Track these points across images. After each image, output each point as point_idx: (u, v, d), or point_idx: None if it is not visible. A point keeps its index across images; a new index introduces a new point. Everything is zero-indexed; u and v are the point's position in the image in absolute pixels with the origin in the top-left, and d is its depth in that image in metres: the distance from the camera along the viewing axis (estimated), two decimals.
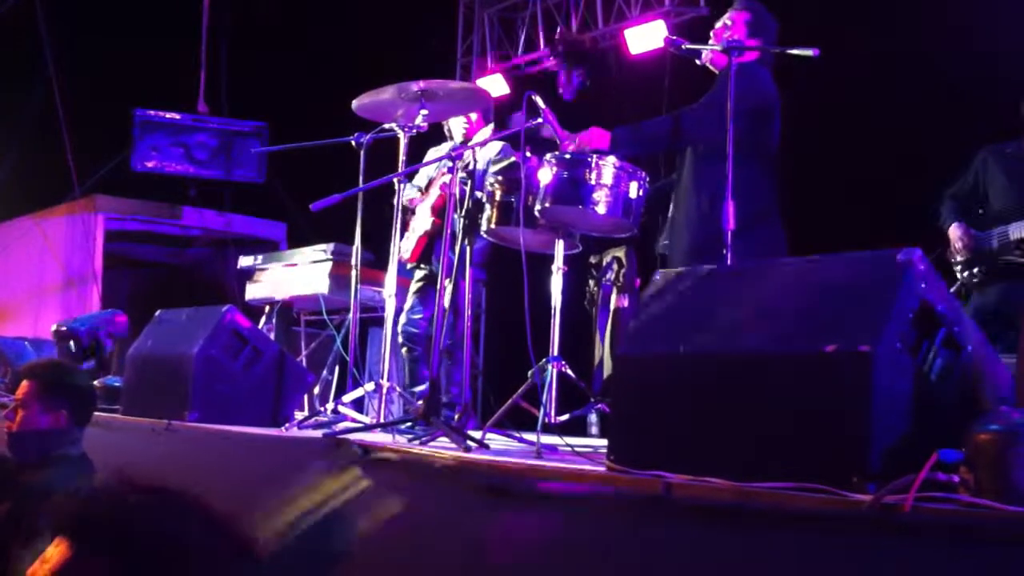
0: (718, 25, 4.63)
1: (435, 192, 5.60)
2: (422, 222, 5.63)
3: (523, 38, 10.11)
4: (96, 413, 5.08)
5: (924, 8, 6.32)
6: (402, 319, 5.71)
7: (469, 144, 5.58)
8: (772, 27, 4.58)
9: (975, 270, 4.93)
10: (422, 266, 5.71)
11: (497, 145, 5.60)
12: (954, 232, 4.99)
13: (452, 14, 10.69)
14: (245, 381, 4.86)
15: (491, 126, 5.75)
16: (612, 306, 7.05)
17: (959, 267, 4.95)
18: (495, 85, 9.60)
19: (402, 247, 5.49)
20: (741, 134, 4.06)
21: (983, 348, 2.53)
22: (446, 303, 4.33)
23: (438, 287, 4.36)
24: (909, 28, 6.37)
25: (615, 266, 6.99)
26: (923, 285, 2.41)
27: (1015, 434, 2.10)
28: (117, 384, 5.62)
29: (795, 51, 4.10)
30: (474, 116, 5.76)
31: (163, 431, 4.54)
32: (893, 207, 5.58)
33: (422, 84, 4.46)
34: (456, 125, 5.80)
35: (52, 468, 3.50)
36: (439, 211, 5.56)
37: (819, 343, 2.37)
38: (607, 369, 6.87)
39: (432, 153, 5.86)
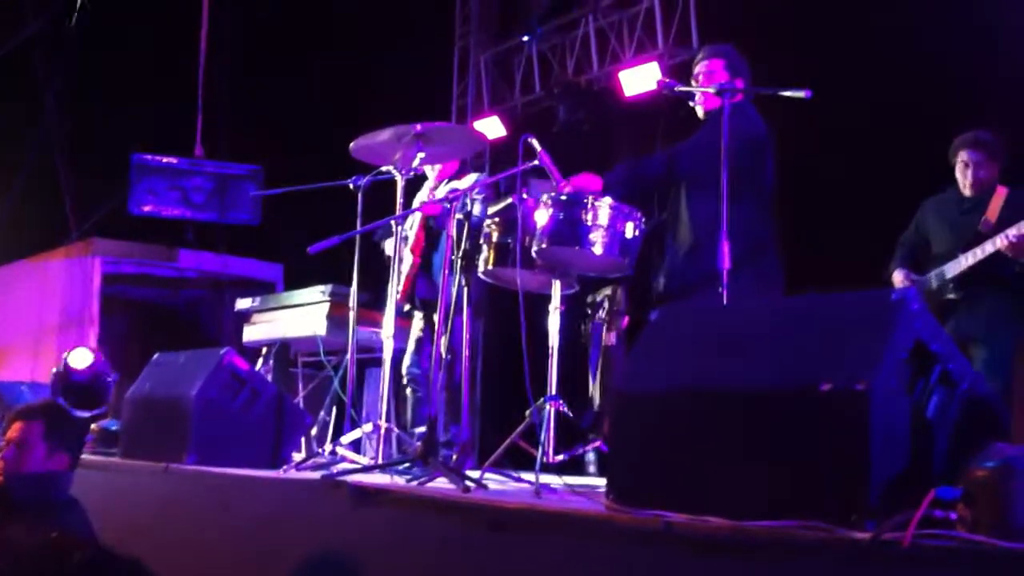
0: (697, 76, 4.68)
1: (412, 233, 5.64)
2: (405, 263, 5.65)
3: (519, 80, 10.19)
4: (94, 457, 5.10)
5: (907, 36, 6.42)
6: (406, 361, 5.73)
7: (448, 182, 5.66)
8: (746, 65, 4.67)
9: None
10: (411, 306, 5.73)
11: (473, 177, 5.69)
12: (896, 277, 5.31)
13: (448, 57, 10.79)
14: (243, 422, 4.86)
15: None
16: (602, 343, 7.06)
17: None
18: (492, 127, 9.66)
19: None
20: (736, 171, 4.09)
21: (978, 384, 2.55)
22: (443, 342, 4.33)
23: (435, 326, 4.37)
24: (886, 63, 6.47)
25: (606, 303, 7.01)
26: (917, 324, 2.43)
27: (1011, 470, 2.11)
28: (115, 428, 5.62)
29: (787, 92, 4.17)
30: None
31: (161, 474, 4.53)
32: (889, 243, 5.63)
33: (419, 127, 4.47)
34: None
35: (51, 513, 3.49)
36: (417, 249, 5.60)
37: (815, 382, 2.38)
38: (596, 406, 6.88)
39: (419, 196, 5.91)
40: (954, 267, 5.02)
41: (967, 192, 5.15)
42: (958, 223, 5.14)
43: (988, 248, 4.87)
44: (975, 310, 4.97)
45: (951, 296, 5.04)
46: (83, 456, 3.93)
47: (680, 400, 2.75)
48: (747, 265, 4.15)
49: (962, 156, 5.14)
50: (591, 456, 6.52)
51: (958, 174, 5.17)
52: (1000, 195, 5.03)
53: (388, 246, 5.19)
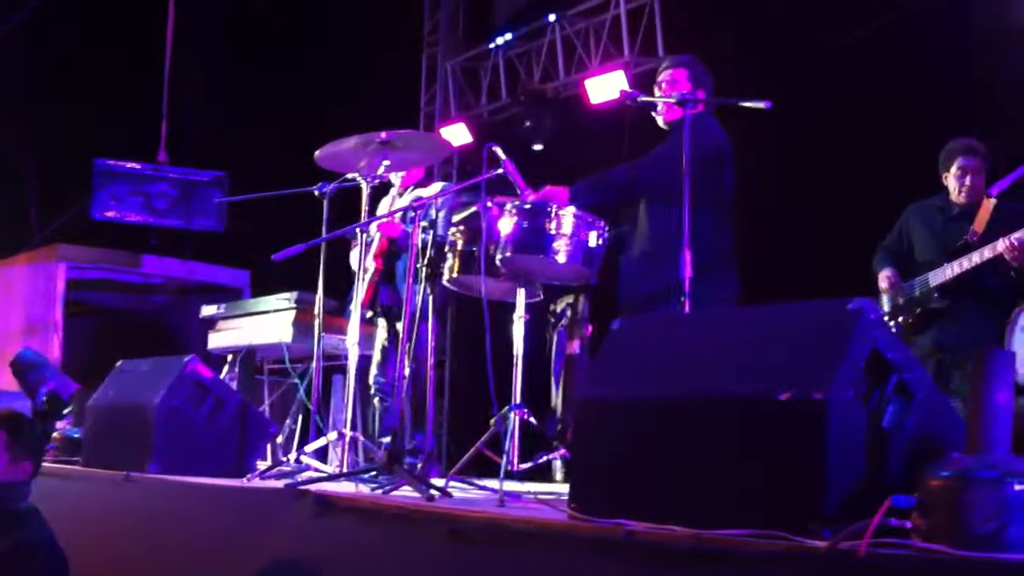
0: (660, 84, 4.73)
1: (375, 239, 5.64)
2: (368, 271, 5.65)
3: (486, 87, 10.22)
4: (55, 465, 5.06)
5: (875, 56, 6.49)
6: (372, 370, 5.72)
7: (413, 189, 5.67)
8: (709, 76, 4.71)
9: (899, 319, 5.20)
10: (373, 313, 5.72)
11: (438, 185, 5.70)
12: (882, 274, 5.33)
13: (416, 64, 10.80)
14: (208, 431, 4.83)
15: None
16: (566, 352, 7.07)
17: (886, 317, 5.14)
18: (458, 134, 9.67)
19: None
20: (696, 182, 4.13)
21: (934, 394, 2.58)
22: (407, 349, 4.33)
23: (400, 334, 4.37)
24: (854, 69, 6.54)
25: (568, 312, 7.03)
26: (874, 333, 2.46)
27: (966, 480, 2.14)
28: (77, 435, 5.57)
29: (748, 103, 4.21)
30: None
31: (122, 482, 4.50)
32: (845, 256, 5.69)
33: (384, 135, 4.47)
34: None
35: (10, 522, 3.46)
36: (380, 256, 5.61)
37: (774, 391, 2.41)
38: (560, 414, 6.89)
39: (384, 202, 5.91)
40: (939, 275, 5.03)
41: (961, 199, 5.13)
42: (942, 231, 5.15)
43: (975, 259, 4.87)
44: (959, 321, 4.99)
45: (934, 305, 5.05)
46: (44, 464, 3.89)
47: (641, 409, 2.76)
48: (706, 274, 4.18)
49: (958, 163, 5.12)
50: (558, 464, 6.54)
51: (952, 181, 5.15)
52: (987, 206, 5.03)
53: (352, 257, 5.20)
